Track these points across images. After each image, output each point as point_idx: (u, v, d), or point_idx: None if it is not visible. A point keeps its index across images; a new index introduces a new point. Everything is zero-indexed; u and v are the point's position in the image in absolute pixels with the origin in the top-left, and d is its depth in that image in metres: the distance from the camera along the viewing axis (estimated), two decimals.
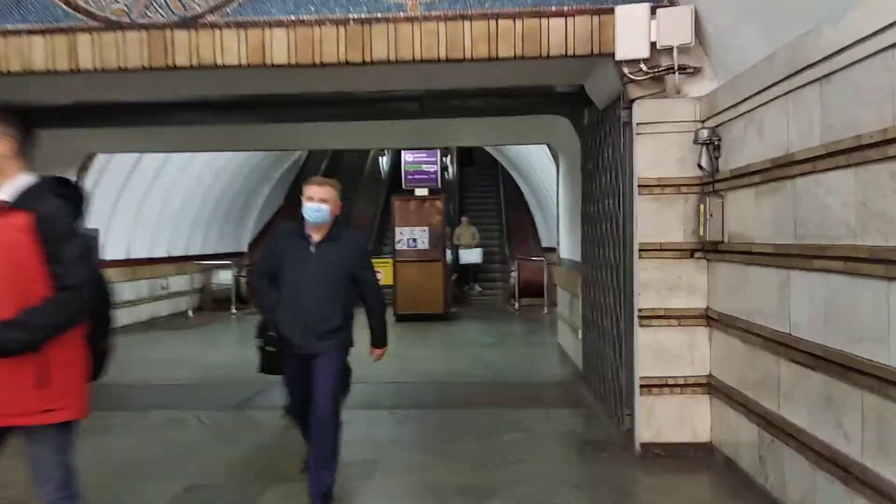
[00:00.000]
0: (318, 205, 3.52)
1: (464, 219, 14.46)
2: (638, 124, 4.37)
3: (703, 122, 4.22)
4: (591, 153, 5.79)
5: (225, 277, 13.75)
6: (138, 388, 6.65)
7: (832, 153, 2.82)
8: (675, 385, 4.35)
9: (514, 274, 12.75)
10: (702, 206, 4.17)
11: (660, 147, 4.35)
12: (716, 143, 4.07)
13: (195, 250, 13.80)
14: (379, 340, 3.83)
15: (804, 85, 3.05)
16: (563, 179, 7.89)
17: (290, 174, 18.70)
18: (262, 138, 8.19)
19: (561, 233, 8.09)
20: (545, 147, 9.47)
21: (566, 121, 6.25)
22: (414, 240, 11.46)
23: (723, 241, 4.07)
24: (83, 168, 8.68)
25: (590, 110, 5.68)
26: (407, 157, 12.07)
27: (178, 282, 12.93)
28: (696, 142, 4.17)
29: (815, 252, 2.99)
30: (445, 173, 20.59)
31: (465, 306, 13.45)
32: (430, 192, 11.81)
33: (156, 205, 11.82)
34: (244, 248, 16.38)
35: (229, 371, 7.47)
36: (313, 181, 3.67)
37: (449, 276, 11.70)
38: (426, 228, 11.47)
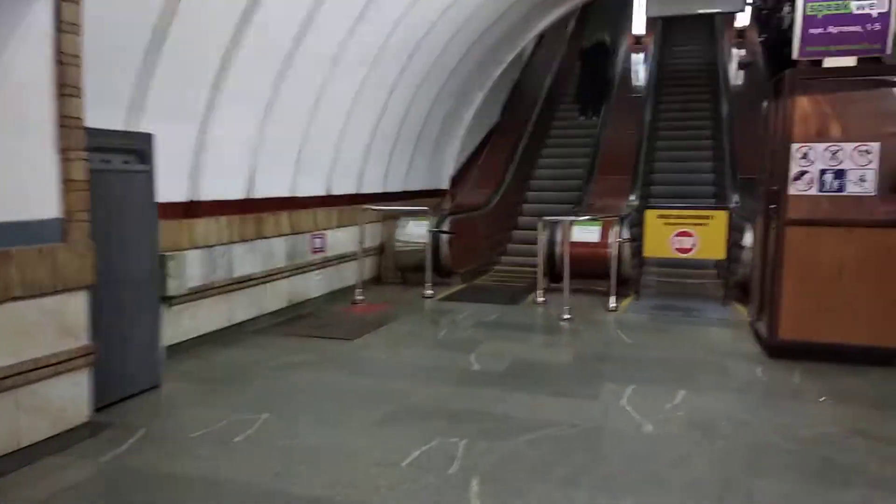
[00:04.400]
0: None
1: None
2: None
3: None
4: None
5: (417, 232, 8.27)
6: None
7: None
8: None
9: None
10: None
11: None
12: None
13: (371, 187, 8.42)
14: None
15: None
16: None
17: (507, 79, 12.72)
18: None
19: None
20: None
21: None
22: (839, 173, 4.92)
23: None
24: None
25: None
26: None
27: (341, 239, 7.64)
28: None
29: None
30: None
31: None
32: (868, 62, 5.11)
33: (300, 102, 6.45)
34: (443, 185, 10.84)
35: None
36: None
37: None
38: (873, 149, 4.86)
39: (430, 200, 9.79)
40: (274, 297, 6.45)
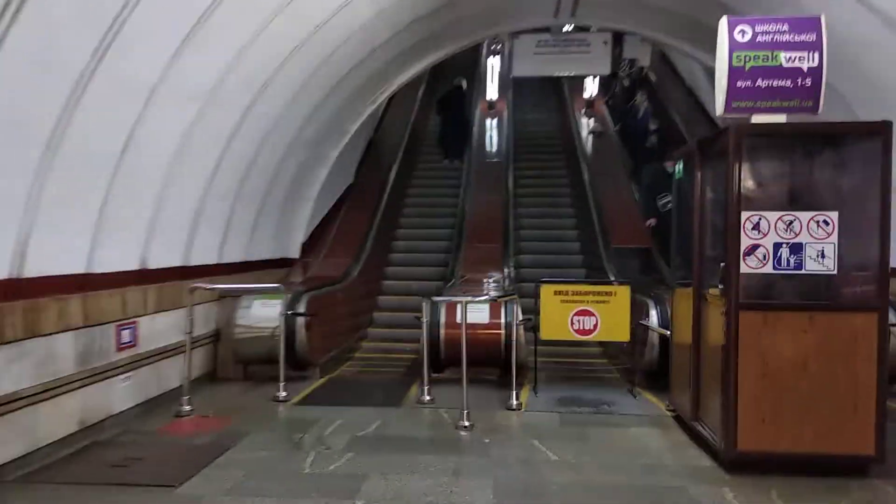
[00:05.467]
0: None
1: None
2: None
3: None
4: None
5: (265, 314, 6.56)
6: None
7: None
8: None
9: None
10: None
11: None
12: None
13: (203, 258, 6.61)
14: None
15: None
16: None
17: (361, 138, 11.55)
18: None
19: None
20: None
21: None
22: (796, 247, 4.17)
23: None
24: None
25: None
26: (737, 33, 4.78)
27: (161, 327, 5.73)
28: None
29: None
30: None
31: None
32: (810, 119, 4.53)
33: (102, 141, 4.65)
34: (292, 254, 9.19)
35: None
36: None
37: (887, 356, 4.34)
38: (831, 220, 4.17)
39: (277, 272, 8.13)
40: (56, 421, 4.43)
